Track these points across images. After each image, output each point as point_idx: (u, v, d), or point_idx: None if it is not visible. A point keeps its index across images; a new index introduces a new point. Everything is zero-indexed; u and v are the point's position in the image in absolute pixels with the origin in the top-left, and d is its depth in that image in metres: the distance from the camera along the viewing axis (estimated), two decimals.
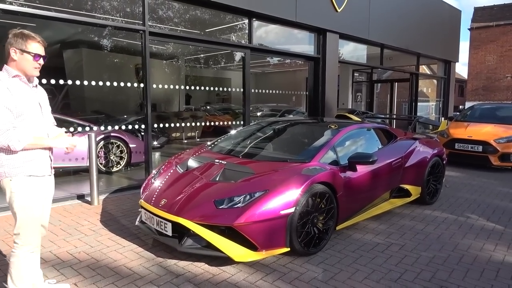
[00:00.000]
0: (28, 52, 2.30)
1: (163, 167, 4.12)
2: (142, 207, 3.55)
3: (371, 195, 4.24)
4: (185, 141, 12.42)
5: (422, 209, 5.01)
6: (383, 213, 4.58)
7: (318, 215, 3.46)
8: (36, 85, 2.48)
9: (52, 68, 12.72)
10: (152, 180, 3.92)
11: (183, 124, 12.69)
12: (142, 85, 5.59)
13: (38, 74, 2.41)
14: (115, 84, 5.48)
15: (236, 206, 3.08)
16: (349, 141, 4.24)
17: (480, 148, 7.91)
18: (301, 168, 3.47)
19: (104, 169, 6.60)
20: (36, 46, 2.34)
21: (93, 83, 5.34)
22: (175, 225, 3.15)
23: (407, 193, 4.81)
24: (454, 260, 3.47)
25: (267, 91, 7.37)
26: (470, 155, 8.02)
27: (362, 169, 3.97)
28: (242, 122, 7.19)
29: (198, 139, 12.92)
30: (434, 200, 5.31)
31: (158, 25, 5.50)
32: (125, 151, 6.86)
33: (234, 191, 3.23)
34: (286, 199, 3.13)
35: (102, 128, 6.71)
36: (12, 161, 2.28)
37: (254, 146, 4.48)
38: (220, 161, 3.78)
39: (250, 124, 7.57)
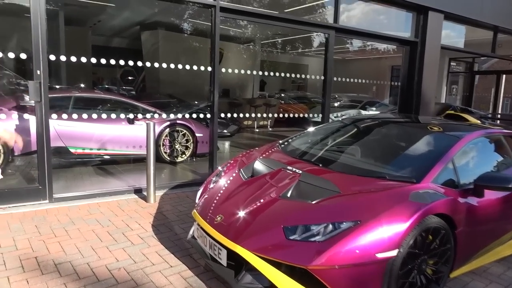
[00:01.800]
0: None
1: (225, 168, 3.41)
2: (195, 220, 2.88)
3: (498, 230, 3.10)
4: (257, 130, 11.79)
5: None
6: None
7: (427, 258, 2.48)
8: None
9: (130, 50, 12.88)
10: (211, 184, 3.23)
11: (255, 112, 12.07)
12: (209, 68, 4.93)
13: None
14: (189, 67, 4.94)
15: (313, 239, 2.24)
16: (472, 153, 3.11)
17: None
18: (408, 191, 2.48)
19: (168, 158, 6.16)
20: None
21: (168, 66, 4.86)
22: (232, 253, 2.41)
23: None
24: None
25: (345, 79, 6.32)
26: None
27: (489, 194, 2.86)
28: (320, 114, 6.26)
29: (270, 129, 12.22)
30: None
31: (229, 5, 4.77)
32: (191, 141, 6.35)
33: (311, 216, 2.38)
34: (386, 237, 2.20)
35: (171, 115, 6.28)
36: None
37: (337, 151, 3.55)
38: (294, 169, 2.94)
39: (331, 119, 6.61)
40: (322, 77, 5.99)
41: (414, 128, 3.61)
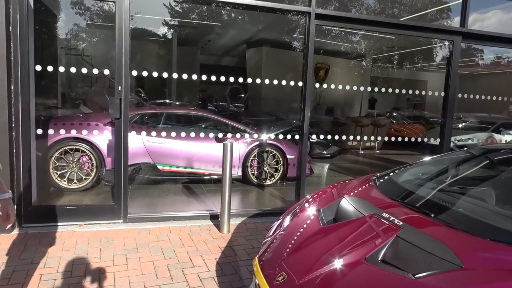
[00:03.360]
0: None
1: (309, 201, 2.75)
2: (254, 273, 2.27)
3: None
4: (362, 152, 10.70)
5: None
6: None
7: None
8: None
9: (237, 68, 13.12)
10: (286, 221, 2.60)
11: (361, 132, 11.00)
12: (300, 83, 4.34)
13: None
14: (286, 83, 4.48)
15: None
16: None
17: None
18: None
19: (255, 181, 5.71)
20: None
21: (268, 82, 4.51)
22: None
23: None
24: None
25: (473, 96, 5.05)
26: None
27: None
28: (439, 138, 5.12)
29: (377, 151, 11.01)
30: None
31: (325, 11, 4.14)
32: (281, 163, 5.80)
33: None
34: None
35: (265, 134, 5.88)
36: None
37: (459, 193, 2.56)
38: (391, 218, 2.11)
39: (453, 144, 5.41)
40: (443, 93, 4.86)
41: None
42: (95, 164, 4.87)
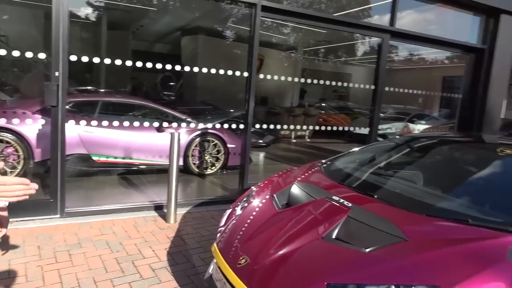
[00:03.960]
0: None
1: (257, 190, 2.84)
2: (214, 258, 2.32)
3: None
4: (294, 141, 11.16)
5: None
6: None
7: None
8: None
9: (171, 56, 12.73)
10: (239, 210, 2.67)
11: (293, 122, 11.45)
12: (246, 74, 4.41)
13: None
14: (227, 73, 4.44)
15: None
16: None
17: None
18: (505, 245, 1.78)
19: (197, 170, 5.69)
20: None
21: (205, 70, 4.40)
22: None
23: None
24: None
25: (393, 89, 5.57)
26: None
27: None
28: (363, 127, 5.57)
29: (308, 140, 11.55)
30: None
31: (271, 4, 4.23)
32: (223, 152, 5.85)
33: (367, 271, 1.74)
34: None
35: (202, 124, 5.84)
36: None
37: (398, 178, 2.87)
38: (342, 200, 2.30)
39: (380, 139, 5.90)
40: (373, 87, 5.29)
41: (503, 153, 2.82)
42: (22, 156, 4.46)
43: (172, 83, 13.67)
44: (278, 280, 1.86)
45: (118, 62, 3.83)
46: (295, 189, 2.63)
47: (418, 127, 12.06)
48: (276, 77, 5.03)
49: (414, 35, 5.33)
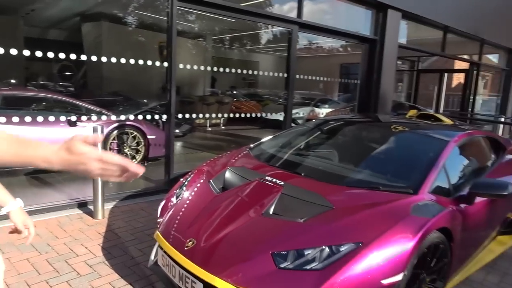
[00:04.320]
0: None
1: (189, 179, 2.95)
2: (159, 245, 2.41)
3: (483, 235, 2.97)
4: (209, 129, 11.29)
5: None
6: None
7: (426, 276, 2.23)
8: None
9: (70, 44, 11.72)
10: (175, 199, 2.76)
11: (208, 110, 11.54)
12: (166, 64, 4.39)
13: None
14: (134, 62, 4.29)
15: (309, 266, 1.88)
16: (459, 157, 2.95)
17: None
18: (409, 204, 2.22)
19: None
20: None
21: (113, 60, 4.18)
22: (209, 286, 1.98)
23: None
24: None
25: (296, 76, 6.00)
26: None
27: (477, 200, 2.70)
28: (273, 113, 5.96)
29: (223, 127, 11.78)
30: None
31: None
32: (143, 143, 5.74)
33: (304, 238, 2.03)
34: (391, 260, 1.91)
35: (119, 116, 5.62)
36: None
37: (318, 157, 3.24)
38: (274, 180, 2.56)
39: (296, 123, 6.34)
40: (285, 75, 5.68)
41: (397, 130, 3.34)
42: None
43: (72, 73, 12.64)
44: (228, 255, 2.04)
45: (1, 50, 3.42)
46: (230, 174, 2.82)
47: (323, 111, 13.09)
48: (188, 66, 5.06)
49: (319, 27, 5.84)
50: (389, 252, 1.92)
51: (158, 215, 2.70)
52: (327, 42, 17.50)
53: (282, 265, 1.91)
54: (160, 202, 2.83)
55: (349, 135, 3.72)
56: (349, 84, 10.92)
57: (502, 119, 9.74)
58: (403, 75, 16.29)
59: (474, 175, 2.96)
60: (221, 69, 5.40)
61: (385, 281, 1.88)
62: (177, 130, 9.13)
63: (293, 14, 5.58)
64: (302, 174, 2.69)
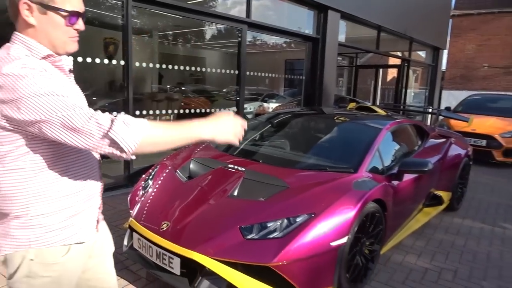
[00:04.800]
0: (55, 9, 1.16)
1: (154, 173, 3.18)
2: (134, 230, 2.63)
3: (412, 207, 3.54)
4: None
5: (450, 217, 4.40)
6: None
7: (366, 240, 2.70)
8: (71, 70, 1.33)
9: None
10: (143, 190, 2.99)
11: (157, 107, 11.54)
12: (122, 62, 4.52)
13: (76, 48, 1.28)
14: (81, 60, 4.30)
15: (271, 236, 2.24)
16: (390, 142, 3.48)
17: (484, 143, 7.47)
18: (350, 181, 2.66)
19: None
20: None
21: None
22: (185, 260, 2.27)
23: (438, 201, 4.15)
24: None
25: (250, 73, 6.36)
26: (473, 150, 7.55)
27: (405, 177, 3.24)
28: (223, 108, 6.30)
29: None
30: (460, 205, 4.73)
31: None
32: None
33: (266, 213, 2.38)
34: (338, 226, 2.33)
35: None
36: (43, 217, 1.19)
37: (272, 146, 3.61)
38: (236, 167, 2.89)
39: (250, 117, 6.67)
40: (236, 71, 6.01)
41: (339, 120, 3.82)
42: None
43: None
44: (200, 232, 2.34)
45: None
46: (194, 164, 3.11)
47: (271, 105, 13.61)
48: (137, 64, 5.15)
49: (267, 27, 6.23)
50: (336, 220, 2.34)
51: (129, 206, 2.91)
52: (271, 39, 18.07)
53: (249, 236, 2.25)
54: (125, 195, 3.03)
55: (298, 126, 4.15)
56: (294, 79, 11.50)
57: (430, 110, 10.86)
58: (343, 71, 17.32)
59: (403, 157, 3.51)
60: (169, 66, 5.59)
61: (333, 243, 2.30)
62: None
63: (242, 14, 5.91)
64: (260, 161, 3.06)
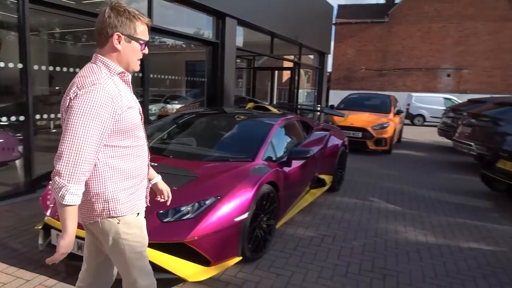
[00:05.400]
0: (137, 39, 1.61)
1: None
2: (50, 226, 2.78)
3: (300, 189, 4.25)
4: (54, 131, 10.63)
5: (333, 196, 5.30)
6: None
7: (263, 216, 3.27)
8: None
9: None
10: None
11: (51, 111, 10.82)
12: (20, 65, 4.40)
13: (139, 68, 1.72)
14: None
15: (185, 217, 2.65)
16: (281, 135, 4.13)
17: (360, 134, 8.84)
18: (249, 168, 3.20)
19: None
20: (144, 30, 1.65)
21: None
22: None
23: (322, 183, 4.99)
24: (381, 246, 3.73)
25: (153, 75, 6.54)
26: (352, 141, 8.89)
27: (294, 164, 3.92)
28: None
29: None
30: (340, 186, 5.68)
31: None
32: None
33: (179, 199, 2.77)
34: (239, 204, 2.84)
35: None
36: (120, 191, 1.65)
37: (180, 143, 3.99)
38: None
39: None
40: (140, 74, 6.17)
41: (239, 118, 4.39)
42: None
43: None
44: None
45: None
46: None
47: (174, 107, 13.75)
48: (21, 65, 4.93)
49: (169, 31, 6.51)
50: (238, 199, 2.84)
51: (43, 207, 3.02)
52: (172, 41, 18.11)
53: (165, 220, 2.62)
54: (27, 202, 3.12)
55: (203, 125, 4.59)
56: (196, 81, 11.87)
57: (318, 108, 12.26)
58: (242, 72, 18.19)
59: (292, 147, 4.21)
60: (62, 68, 5.51)
61: (236, 219, 2.80)
62: (18, 134, 8.50)
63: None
64: (171, 156, 3.43)
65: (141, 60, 5.32)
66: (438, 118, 13.30)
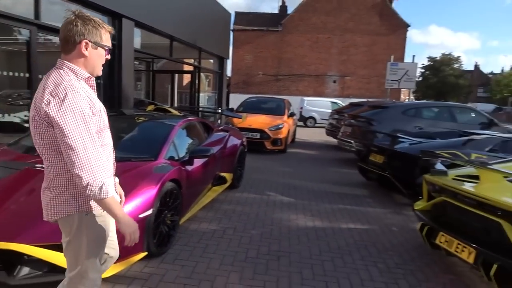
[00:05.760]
0: (103, 46, 1.76)
1: None
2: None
3: (202, 186, 4.48)
4: None
5: (233, 192, 5.65)
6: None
7: (167, 212, 3.42)
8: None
9: None
10: None
11: None
12: None
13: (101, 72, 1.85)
14: None
15: None
16: (182, 135, 4.31)
17: (258, 135, 9.43)
18: (152, 166, 3.32)
19: None
20: (108, 37, 1.80)
21: None
22: (2, 254, 2.44)
23: (223, 180, 5.30)
24: (277, 232, 4.18)
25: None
26: (251, 141, 9.44)
27: (196, 162, 4.14)
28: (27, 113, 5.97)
29: None
30: (240, 183, 6.07)
31: None
32: None
33: None
34: (143, 202, 2.96)
35: None
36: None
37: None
38: (41, 165, 3.11)
39: None
40: (27, 74, 5.73)
41: (140, 120, 4.45)
42: None
43: None
44: (20, 224, 2.55)
45: None
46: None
47: None
48: None
49: (59, 29, 6.13)
50: (142, 197, 2.96)
51: None
52: (54, 38, 16.71)
53: None
54: None
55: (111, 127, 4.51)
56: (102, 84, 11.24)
57: (219, 110, 12.65)
58: (141, 75, 17.67)
59: (193, 147, 4.42)
60: None
61: (141, 215, 2.92)
62: None
63: (30, 15, 5.67)
64: None
65: (27, 60, 5.21)
66: (326, 120, 14.80)
